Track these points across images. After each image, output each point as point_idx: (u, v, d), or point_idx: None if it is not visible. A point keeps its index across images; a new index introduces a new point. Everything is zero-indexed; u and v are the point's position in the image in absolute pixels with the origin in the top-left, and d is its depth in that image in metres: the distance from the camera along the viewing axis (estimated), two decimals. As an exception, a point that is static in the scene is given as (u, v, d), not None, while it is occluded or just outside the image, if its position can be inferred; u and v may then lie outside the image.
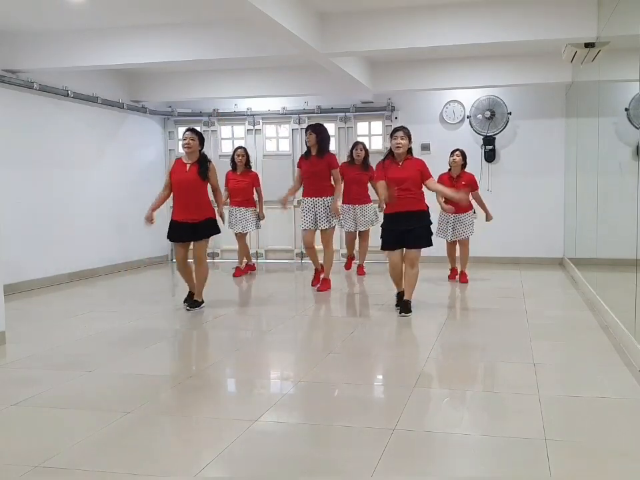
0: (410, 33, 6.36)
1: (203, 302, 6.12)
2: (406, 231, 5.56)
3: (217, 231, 6.11)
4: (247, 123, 10.30)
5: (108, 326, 5.40)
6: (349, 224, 8.17)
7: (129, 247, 9.21)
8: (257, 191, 8.42)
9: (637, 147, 4.74)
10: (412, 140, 5.69)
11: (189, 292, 6.20)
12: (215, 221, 6.07)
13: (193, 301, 6.09)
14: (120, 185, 9.13)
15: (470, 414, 3.40)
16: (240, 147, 8.60)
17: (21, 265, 7.17)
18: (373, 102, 9.77)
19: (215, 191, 6.13)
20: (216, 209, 6.17)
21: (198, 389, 3.78)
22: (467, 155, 7.50)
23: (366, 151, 8.15)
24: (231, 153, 8.62)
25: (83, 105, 8.42)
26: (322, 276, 7.12)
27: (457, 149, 7.49)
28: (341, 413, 3.38)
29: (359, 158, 8.07)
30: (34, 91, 7.56)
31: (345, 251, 9.07)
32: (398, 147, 5.58)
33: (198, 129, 6.47)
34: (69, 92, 8.07)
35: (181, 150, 10.31)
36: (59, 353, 4.61)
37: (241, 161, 8.33)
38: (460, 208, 7.16)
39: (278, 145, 10.35)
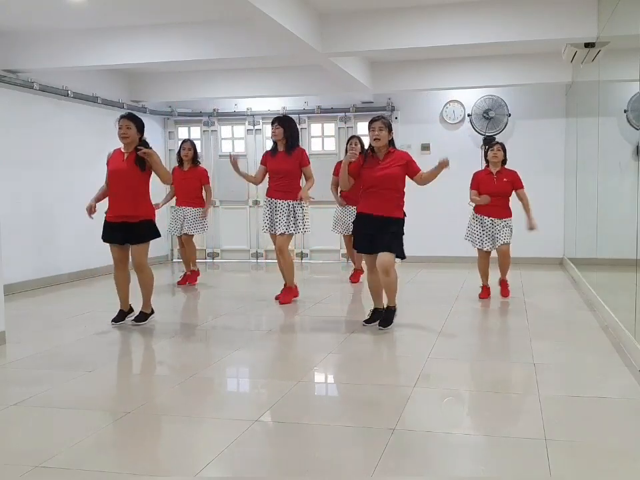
0: (410, 33, 6.37)
1: (152, 312, 5.49)
2: (376, 235, 4.98)
3: (156, 234, 5.31)
4: (247, 122, 10.30)
5: (108, 326, 5.39)
6: (345, 227, 7.50)
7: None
8: (205, 189, 7.63)
9: (637, 147, 4.74)
10: (392, 131, 5.08)
11: (120, 310, 5.43)
12: (154, 223, 5.30)
13: (140, 313, 5.42)
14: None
15: (470, 414, 3.41)
16: (186, 140, 7.77)
17: (21, 265, 7.17)
18: (372, 102, 9.77)
19: (164, 179, 5.20)
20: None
21: (198, 389, 3.78)
22: (506, 149, 6.58)
23: (362, 144, 7.36)
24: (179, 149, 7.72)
25: (83, 105, 8.43)
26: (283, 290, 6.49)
27: (497, 142, 6.57)
28: (341, 413, 3.38)
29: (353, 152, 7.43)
30: (34, 91, 7.56)
31: (344, 250, 8.94)
32: (376, 139, 4.97)
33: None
34: (69, 92, 8.07)
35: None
36: (59, 352, 4.61)
37: (187, 156, 7.52)
38: (498, 212, 6.29)
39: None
